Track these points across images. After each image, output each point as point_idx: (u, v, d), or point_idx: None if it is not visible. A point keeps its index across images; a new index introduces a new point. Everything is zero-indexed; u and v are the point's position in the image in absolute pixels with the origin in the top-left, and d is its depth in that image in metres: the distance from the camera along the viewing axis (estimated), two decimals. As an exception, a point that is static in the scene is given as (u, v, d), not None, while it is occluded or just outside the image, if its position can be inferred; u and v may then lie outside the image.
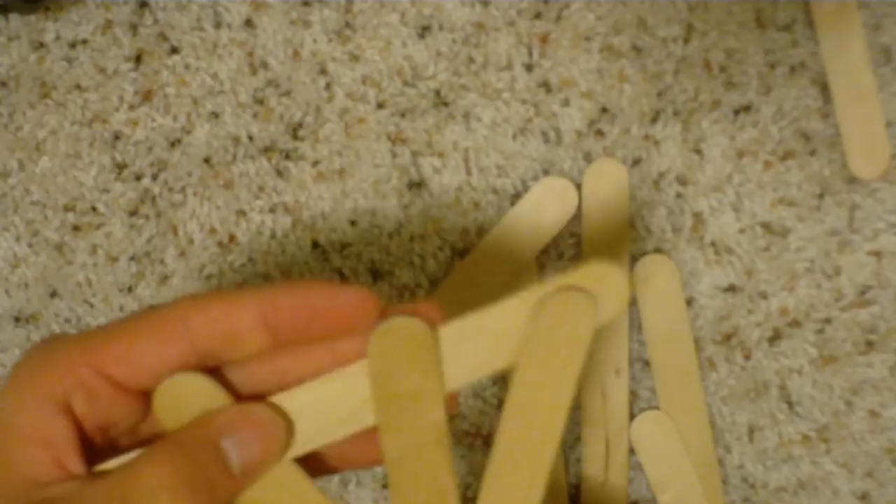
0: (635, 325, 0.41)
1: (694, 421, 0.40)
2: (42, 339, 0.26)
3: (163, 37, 0.41)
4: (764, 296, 0.41)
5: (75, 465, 0.23)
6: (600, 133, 0.41)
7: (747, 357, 0.41)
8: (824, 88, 0.41)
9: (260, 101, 0.41)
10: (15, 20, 0.41)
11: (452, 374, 0.26)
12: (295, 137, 0.41)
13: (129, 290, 0.41)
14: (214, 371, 0.25)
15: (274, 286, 0.26)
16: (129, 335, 0.24)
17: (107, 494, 0.22)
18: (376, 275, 0.41)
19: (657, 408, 0.41)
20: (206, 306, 0.24)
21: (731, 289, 0.41)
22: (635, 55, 0.41)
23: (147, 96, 0.41)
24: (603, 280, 0.25)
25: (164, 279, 0.41)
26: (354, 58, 0.41)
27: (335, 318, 0.25)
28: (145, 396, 0.25)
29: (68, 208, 0.41)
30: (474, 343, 0.26)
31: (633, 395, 0.41)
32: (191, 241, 0.41)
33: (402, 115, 0.41)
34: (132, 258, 0.41)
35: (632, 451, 0.41)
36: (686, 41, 0.41)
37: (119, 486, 0.22)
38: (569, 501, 0.41)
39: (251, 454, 0.24)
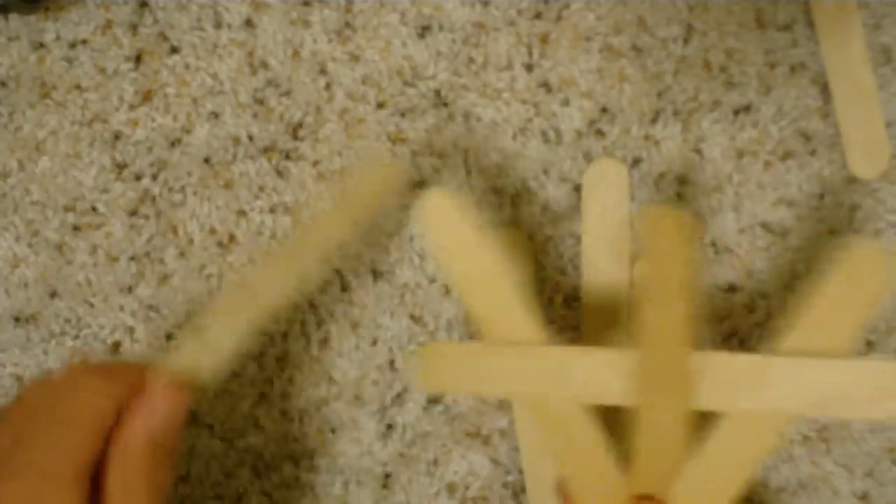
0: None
1: (694, 421, 0.40)
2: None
3: (163, 37, 0.41)
4: (764, 296, 0.41)
5: None
6: (600, 133, 0.41)
7: (747, 357, 0.41)
8: (824, 88, 0.41)
9: (260, 101, 0.41)
10: (15, 20, 0.41)
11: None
12: (295, 137, 0.41)
13: (129, 290, 0.41)
14: None
15: None
16: None
17: None
18: (376, 275, 0.41)
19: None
20: None
21: (731, 289, 0.41)
22: (635, 55, 0.41)
23: (147, 96, 0.41)
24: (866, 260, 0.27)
25: (164, 279, 0.41)
26: (354, 58, 0.41)
27: None
28: None
29: (68, 208, 0.41)
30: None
31: (633, 395, 0.41)
32: (191, 241, 0.41)
33: (402, 115, 0.41)
34: (132, 258, 0.41)
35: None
36: (686, 41, 0.41)
37: None
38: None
39: None
